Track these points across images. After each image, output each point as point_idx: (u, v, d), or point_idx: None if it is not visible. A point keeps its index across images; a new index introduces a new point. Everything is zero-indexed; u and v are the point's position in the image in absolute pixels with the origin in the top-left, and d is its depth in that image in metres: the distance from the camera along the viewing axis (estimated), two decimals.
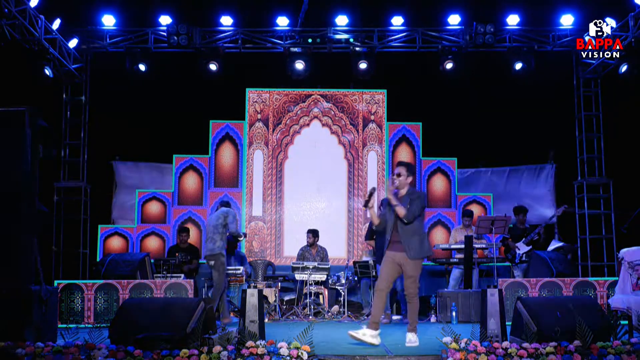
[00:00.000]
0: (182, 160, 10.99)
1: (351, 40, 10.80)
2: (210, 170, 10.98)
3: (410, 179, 5.99)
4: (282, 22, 10.81)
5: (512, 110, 10.96)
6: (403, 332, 7.07)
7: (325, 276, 9.21)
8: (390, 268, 5.89)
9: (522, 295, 7.86)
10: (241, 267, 8.94)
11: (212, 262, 7.95)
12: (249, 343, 4.59)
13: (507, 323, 5.31)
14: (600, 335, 4.79)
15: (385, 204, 7.46)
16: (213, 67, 10.82)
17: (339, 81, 11.36)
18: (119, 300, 7.87)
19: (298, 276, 9.16)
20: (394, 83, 11.22)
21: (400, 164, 6.09)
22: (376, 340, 5.64)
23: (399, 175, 5.92)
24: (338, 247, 10.82)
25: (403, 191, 5.96)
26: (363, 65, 10.81)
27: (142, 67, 10.81)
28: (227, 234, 8.11)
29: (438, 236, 10.85)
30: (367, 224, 10.34)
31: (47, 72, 10.13)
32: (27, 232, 5.11)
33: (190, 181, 10.95)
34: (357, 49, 10.81)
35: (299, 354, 4.53)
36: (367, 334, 5.66)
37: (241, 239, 8.46)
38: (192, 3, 10.86)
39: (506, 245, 9.52)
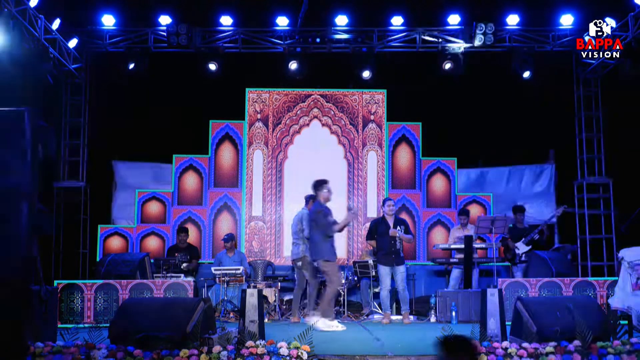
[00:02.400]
0: (182, 160, 10.98)
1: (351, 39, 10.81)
2: (210, 170, 10.97)
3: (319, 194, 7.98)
4: (282, 22, 10.81)
5: (512, 110, 10.94)
6: (403, 332, 7.10)
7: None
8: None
9: (522, 295, 7.86)
10: (241, 267, 8.94)
11: (299, 264, 8.58)
12: (249, 343, 4.60)
13: (507, 323, 5.31)
14: (600, 335, 4.79)
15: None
16: (213, 67, 10.81)
17: (339, 81, 11.36)
18: (118, 300, 7.86)
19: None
20: (394, 83, 11.21)
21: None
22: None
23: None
24: (338, 247, 10.63)
25: None
26: (363, 66, 10.81)
27: (142, 67, 10.80)
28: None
29: (438, 236, 10.84)
30: (368, 224, 10.33)
31: None
32: (27, 232, 5.10)
33: (190, 181, 10.95)
34: (357, 48, 10.80)
35: (299, 353, 4.53)
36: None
37: None
38: (192, 3, 10.83)
39: (506, 245, 9.52)
